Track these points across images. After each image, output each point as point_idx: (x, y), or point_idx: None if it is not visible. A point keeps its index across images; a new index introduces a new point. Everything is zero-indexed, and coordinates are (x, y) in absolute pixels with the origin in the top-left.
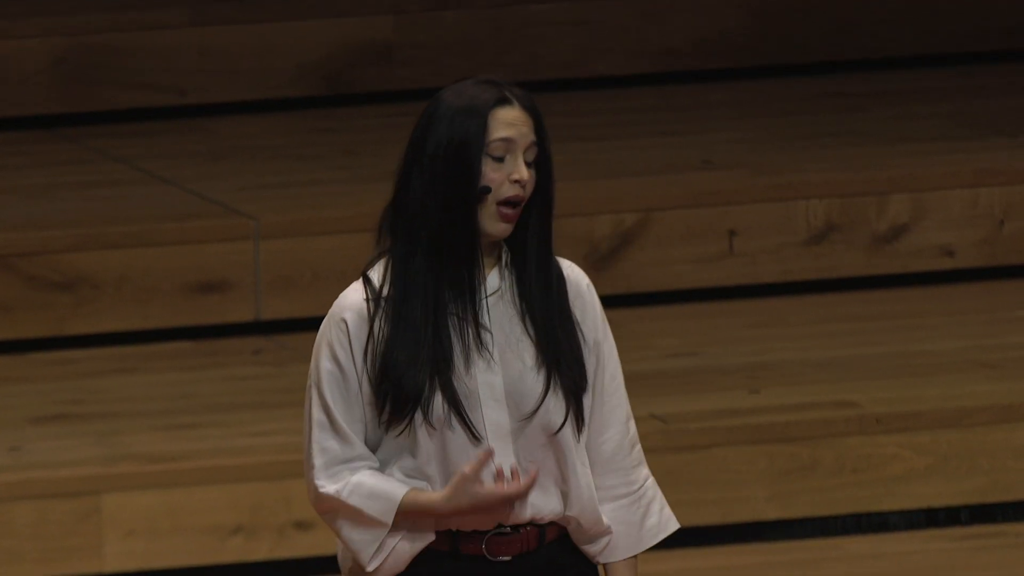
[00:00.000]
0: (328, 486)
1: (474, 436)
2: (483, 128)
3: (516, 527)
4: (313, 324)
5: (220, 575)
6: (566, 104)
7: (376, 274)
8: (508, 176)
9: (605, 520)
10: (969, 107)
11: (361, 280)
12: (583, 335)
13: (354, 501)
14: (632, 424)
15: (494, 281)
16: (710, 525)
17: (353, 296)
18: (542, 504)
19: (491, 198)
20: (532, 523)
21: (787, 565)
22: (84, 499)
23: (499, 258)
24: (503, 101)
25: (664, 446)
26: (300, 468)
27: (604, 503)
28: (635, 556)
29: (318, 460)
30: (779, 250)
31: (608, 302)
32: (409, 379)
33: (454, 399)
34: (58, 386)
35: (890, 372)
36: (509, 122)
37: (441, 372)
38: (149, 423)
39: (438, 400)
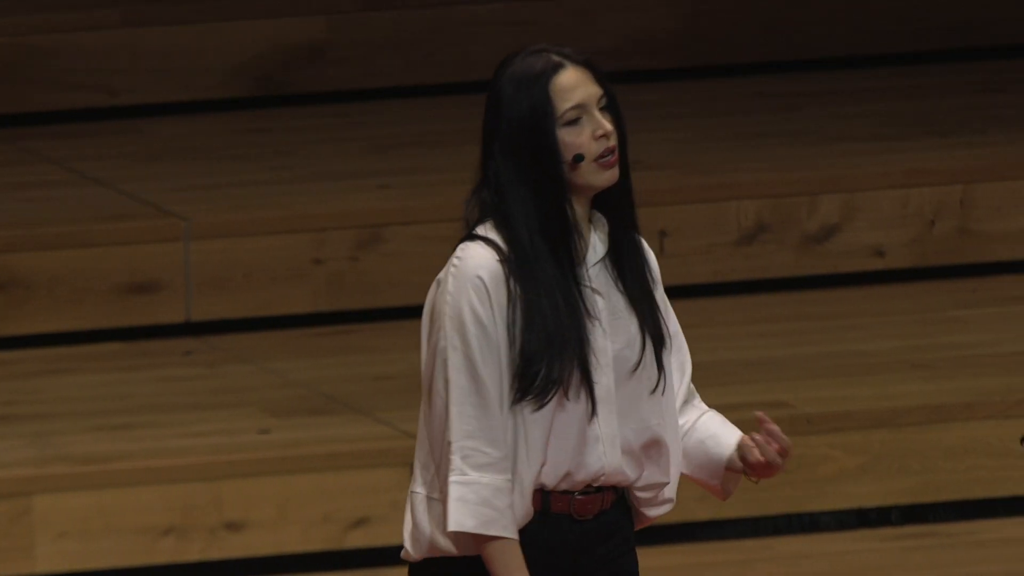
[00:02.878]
0: (471, 474)
1: (592, 404)
2: (547, 103)
3: (599, 488)
4: (244, 325)
5: None
6: None
7: (495, 237)
8: (592, 134)
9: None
10: (901, 107)
11: (482, 242)
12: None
13: (475, 507)
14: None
15: (599, 248)
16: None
17: (483, 256)
18: (629, 469)
19: (586, 161)
20: (611, 486)
21: (718, 565)
22: (15, 500)
23: (592, 222)
24: (556, 68)
25: None
26: (231, 469)
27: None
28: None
29: (464, 434)
30: (710, 250)
31: None
32: (556, 359)
33: (587, 371)
34: None
35: (821, 372)
36: (571, 86)
37: (579, 347)
38: (81, 424)
39: (576, 374)
